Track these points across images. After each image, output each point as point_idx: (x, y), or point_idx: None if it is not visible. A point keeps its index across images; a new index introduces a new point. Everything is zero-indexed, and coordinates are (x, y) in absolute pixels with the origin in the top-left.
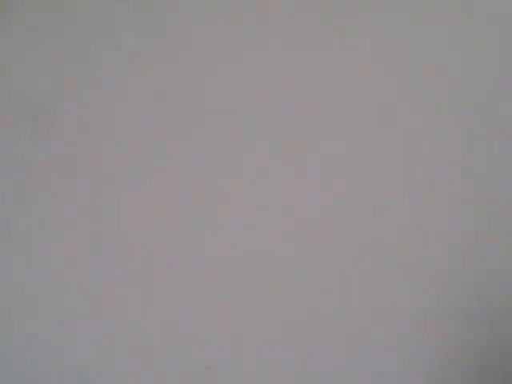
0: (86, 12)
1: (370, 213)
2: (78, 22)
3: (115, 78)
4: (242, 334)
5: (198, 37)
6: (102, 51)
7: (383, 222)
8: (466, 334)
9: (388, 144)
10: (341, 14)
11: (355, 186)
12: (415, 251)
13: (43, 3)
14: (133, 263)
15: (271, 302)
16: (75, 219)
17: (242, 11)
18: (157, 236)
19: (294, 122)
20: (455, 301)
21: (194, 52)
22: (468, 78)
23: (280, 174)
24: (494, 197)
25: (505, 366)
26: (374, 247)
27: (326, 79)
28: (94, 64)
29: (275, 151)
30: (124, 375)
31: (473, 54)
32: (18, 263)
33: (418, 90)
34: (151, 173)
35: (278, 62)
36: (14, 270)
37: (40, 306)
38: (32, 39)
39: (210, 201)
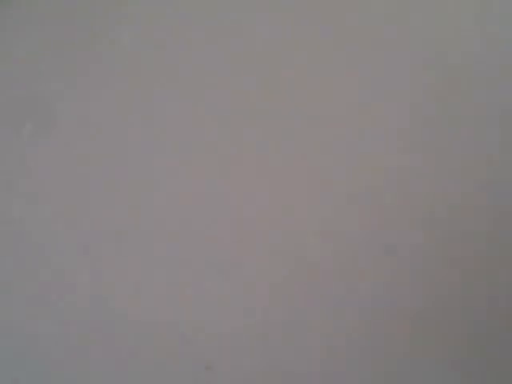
0: (87, 12)
1: (370, 212)
2: (78, 22)
3: (115, 78)
4: (241, 334)
5: (198, 37)
6: (103, 51)
7: (383, 221)
8: (466, 333)
9: (387, 145)
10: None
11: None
12: (414, 252)
13: (44, 2)
14: (132, 263)
15: (272, 302)
16: (75, 219)
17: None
18: (155, 235)
19: (290, 122)
20: (454, 301)
21: (195, 52)
22: (468, 76)
23: (275, 170)
24: (494, 196)
25: (505, 366)
26: (373, 246)
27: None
28: (95, 64)
29: (271, 148)
30: (124, 375)
31: (472, 51)
32: (18, 262)
33: (418, 88)
34: (151, 172)
35: (278, 61)
36: (13, 269)
37: (39, 305)
38: (32, 39)
39: (208, 198)
